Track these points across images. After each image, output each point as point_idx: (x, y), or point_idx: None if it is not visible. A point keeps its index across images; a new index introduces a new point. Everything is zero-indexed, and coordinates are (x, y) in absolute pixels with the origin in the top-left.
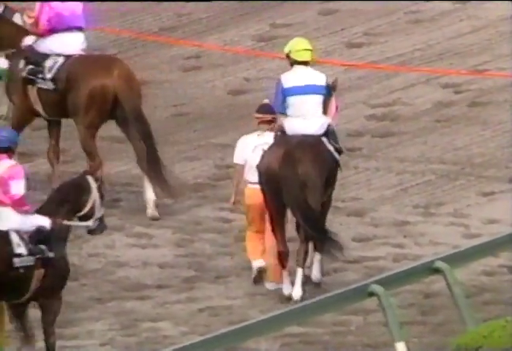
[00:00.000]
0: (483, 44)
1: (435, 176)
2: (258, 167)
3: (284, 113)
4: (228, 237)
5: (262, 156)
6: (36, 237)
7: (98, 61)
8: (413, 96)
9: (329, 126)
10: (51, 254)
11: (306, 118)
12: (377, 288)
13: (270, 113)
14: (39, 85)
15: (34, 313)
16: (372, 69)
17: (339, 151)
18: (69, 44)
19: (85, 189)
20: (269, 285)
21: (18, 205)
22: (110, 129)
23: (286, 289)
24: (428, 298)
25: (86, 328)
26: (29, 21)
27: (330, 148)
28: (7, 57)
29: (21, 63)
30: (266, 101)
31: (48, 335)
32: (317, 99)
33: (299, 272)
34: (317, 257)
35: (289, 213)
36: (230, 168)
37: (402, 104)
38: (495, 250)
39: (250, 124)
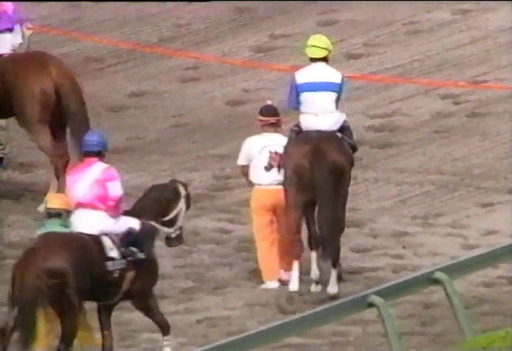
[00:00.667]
0: (481, 55)
1: (434, 187)
2: (285, 165)
3: (297, 109)
4: (227, 247)
5: (287, 155)
6: (127, 239)
7: (32, 59)
8: (412, 106)
9: (345, 122)
10: (142, 256)
11: (318, 114)
12: (377, 299)
13: (273, 115)
14: None
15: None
16: (371, 80)
17: (353, 148)
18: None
19: (174, 196)
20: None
21: (115, 206)
22: (109, 139)
23: (293, 284)
24: (427, 309)
25: None
26: (28, 32)
27: (346, 143)
28: None
29: None
30: (269, 102)
31: (164, 328)
32: (330, 97)
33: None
34: (333, 272)
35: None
36: (229, 179)
37: (401, 114)
38: (494, 261)
39: (249, 135)
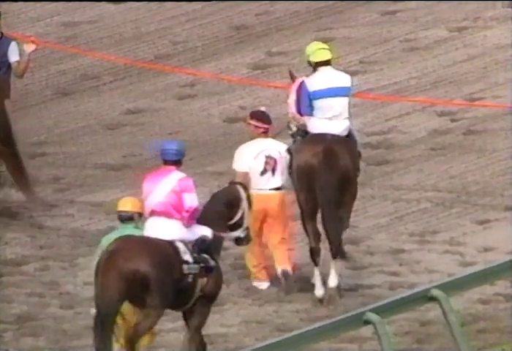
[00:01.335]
0: (478, 73)
1: (431, 204)
2: (294, 165)
3: (311, 115)
4: (224, 265)
5: (297, 155)
6: (199, 246)
7: None
8: (408, 124)
9: (350, 129)
10: (213, 263)
11: (331, 119)
12: (373, 316)
13: (267, 124)
14: None
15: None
16: (367, 98)
17: (358, 155)
18: None
19: (236, 199)
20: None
21: (190, 217)
22: (105, 156)
23: (318, 290)
24: (423, 326)
25: None
26: (29, 50)
27: (356, 149)
28: None
29: None
30: (263, 109)
31: (194, 340)
32: (344, 102)
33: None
34: (334, 265)
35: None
36: None
37: (397, 132)
38: (491, 278)
39: None
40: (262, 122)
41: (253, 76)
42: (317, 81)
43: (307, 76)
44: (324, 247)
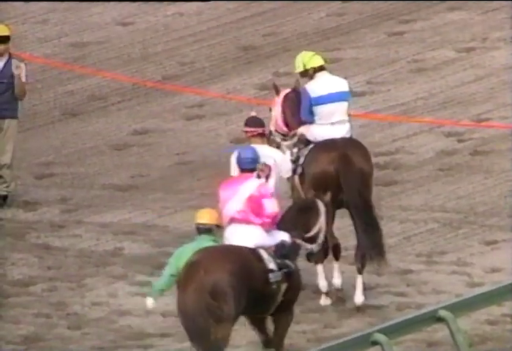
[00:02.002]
0: (486, 93)
1: (438, 225)
2: (309, 173)
3: (311, 122)
4: None
5: (311, 163)
6: (280, 252)
7: None
8: (416, 144)
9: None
10: (294, 268)
11: (334, 124)
12: (380, 337)
13: (260, 126)
14: None
15: None
16: (374, 119)
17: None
18: None
19: (315, 212)
20: None
21: (271, 223)
22: (113, 177)
23: (336, 280)
24: (431, 347)
25: None
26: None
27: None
28: None
29: None
30: (253, 114)
31: (278, 347)
32: (344, 106)
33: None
34: (359, 280)
35: None
36: None
37: (405, 152)
38: (498, 299)
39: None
40: (255, 126)
41: (260, 96)
42: (318, 87)
43: (293, 89)
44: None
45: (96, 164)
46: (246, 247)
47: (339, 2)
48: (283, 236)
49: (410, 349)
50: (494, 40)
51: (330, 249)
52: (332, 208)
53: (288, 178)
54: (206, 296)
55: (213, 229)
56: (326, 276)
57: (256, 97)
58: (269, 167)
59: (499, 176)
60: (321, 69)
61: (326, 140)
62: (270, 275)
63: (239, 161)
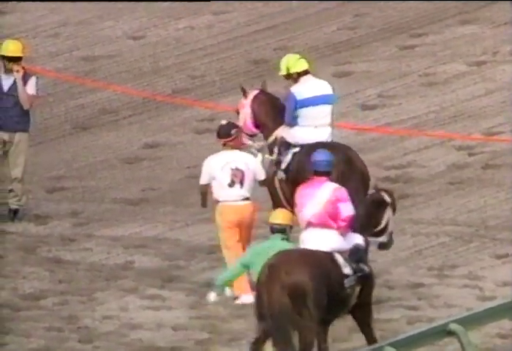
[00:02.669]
0: (496, 107)
1: (449, 238)
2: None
3: (293, 125)
4: None
5: (304, 168)
6: (355, 256)
7: None
8: (427, 158)
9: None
10: (368, 270)
11: (317, 126)
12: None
13: (227, 136)
14: None
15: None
16: (386, 133)
17: None
18: None
19: (381, 205)
20: (244, 299)
21: (347, 227)
22: (124, 191)
23: None
24: None
25: None
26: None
27: None
28: None
29: None
30: (223, 122)
31: (371, 339)
32: (329, 109)
33: None
34: None
35: None
36: None
37: (416, 166)
38: (509, 313)
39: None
40: (225, 137)
41: None
42: (304, 89)
43: (261, 90)
44: None
45: (107, 178)
46: (322, 251)
47: (351, 16)
48: (357, 239)
49: None
50: (505, 54)
51: None
52: None
53: (263, 181)
54: (286, 298)
55: (286, 230)
56: None
57: None
58: (242, 172)
59: (510, 190)
60: (305, 73)
61: (317, 144)
62: (346, 280)
63: (314, 164)
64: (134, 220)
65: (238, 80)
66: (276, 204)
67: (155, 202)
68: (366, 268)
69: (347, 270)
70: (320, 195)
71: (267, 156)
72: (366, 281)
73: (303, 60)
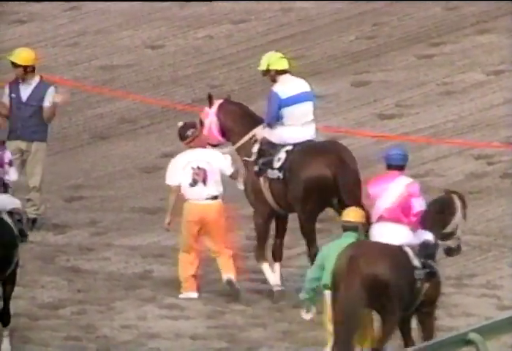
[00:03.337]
0: None
1: (467, 247)
2: (302, 177)
3: (274, 124)
4: (259, 308)
5: (303, 168)
6: (424, 252)
7: None
8: (445, 167)
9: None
10: (436, 268)
11: (303, 125)
12: None
13: (187, 136)
14: None
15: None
16: (404, 140)
17: None
18: None
19: (452, 208)
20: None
21: (417, 222)
22: (142, 200)
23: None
24: None
25: None
26: (57, 100)
27: None
28: None
29: None
30: (180, 124)
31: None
32: (311, 106)
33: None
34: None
35: None
36: None
37: (434, 175)
38: None
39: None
40: (180, 140)
41: None
42: (286, 89)
43: (226, 100)
44: None
45: (125, 187)
46: (394, 244)
47: (369, 25)
48: (427, 236)
49: None
50: None
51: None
52: (319, 210)
53: (233, 175)
54: (365, 290)
55: (358, 227)
56: None
57: None
58: (204, 170)
59: None
60: (284, 72)
61: (310, 143)
62: (416, 271)
63: (388, 157)
64: (153, 229)
65: (257, 89)
66: (256, 204)
67: (173, 212)
68: (434, 266)
69: (415, 262)
70: (393, 189)
71: (245, 158)
72: (433, 278)
73: (284, 59)
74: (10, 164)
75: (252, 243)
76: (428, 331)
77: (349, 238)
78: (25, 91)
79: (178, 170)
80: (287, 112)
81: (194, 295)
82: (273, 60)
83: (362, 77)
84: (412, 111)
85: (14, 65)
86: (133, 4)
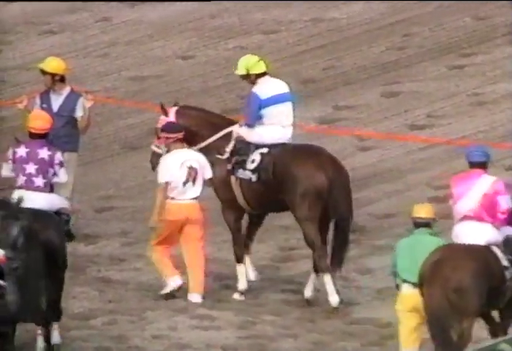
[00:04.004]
0: None
1: None
2: (305, 184)
3: (255, 125)
4: (289, 318)
5: (299, 171)
6: (509, 247)
7: None
8: None
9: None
10: None
11: (284, 126)
12: None
13: (179, 132)
14: None
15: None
16: (435, 151)
17: None
18: None
19: None
20: (192, 297)
21: (505, 220)
22: None
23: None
24: None
25: None
26: (89, 104)
27: None
28: None
29: None
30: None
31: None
32: (291, 107)
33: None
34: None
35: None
36: (293, 250)
37: None
38: None
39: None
40: (174, 132)
41: (320, 130)
42: (266, 89)
43: (181, 106)
44: None
45: (151, 198)
46: (482, 246)
47: (400, 36)
48: (509, 231)
49: None
50: None
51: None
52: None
53: (210, 180)
54: (450, 293)
55: (431, 223)
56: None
57: (316, 131)
58: (195, 170)
59: None
60: (264, 74)
61: (293, 150)
62: (506, 272)
63: (469, 155)
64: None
65: None
66: (226, 201)
67: (204, 222)
68: None
69: (505, 262)
70: (478, 188)
71: (218, 155)
72: None
73: (262, 62)
74: (61, 165)
75: (285, 254)
76: (508, 320)
77: (423, 235)
78: (57, 102)
79: (173, 169)
80: (267, 112)
81: (179, 281)
82: (252, 64)
83: (392, 88)
84: (443, 122)
85: (43, 72)
86: (164, 15)
